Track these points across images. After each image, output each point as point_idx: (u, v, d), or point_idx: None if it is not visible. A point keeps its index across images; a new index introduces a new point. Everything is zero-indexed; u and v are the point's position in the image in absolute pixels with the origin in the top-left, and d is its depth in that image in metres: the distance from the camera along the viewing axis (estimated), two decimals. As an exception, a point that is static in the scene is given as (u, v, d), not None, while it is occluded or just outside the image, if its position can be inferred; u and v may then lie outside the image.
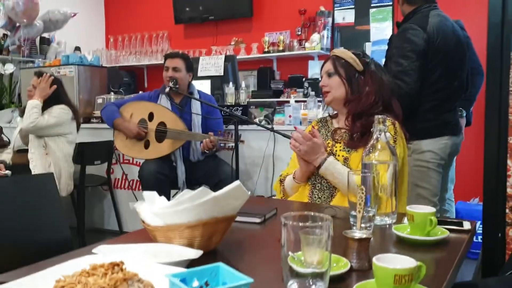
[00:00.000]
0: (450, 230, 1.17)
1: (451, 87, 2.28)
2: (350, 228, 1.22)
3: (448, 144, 2.30)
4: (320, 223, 0.72)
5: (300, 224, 0.72)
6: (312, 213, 0.78)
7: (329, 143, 1.74)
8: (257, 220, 1.29)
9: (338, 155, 1.69)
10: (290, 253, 0.77)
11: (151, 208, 0.99)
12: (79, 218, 3.53)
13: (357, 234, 0.99)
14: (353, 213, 1.22)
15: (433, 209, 1.12)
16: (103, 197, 3.90)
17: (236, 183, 0.95)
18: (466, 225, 1.23)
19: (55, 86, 3.14)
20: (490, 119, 1.55)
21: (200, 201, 0.94)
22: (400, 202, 1.66)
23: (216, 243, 1.03)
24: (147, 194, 1.04)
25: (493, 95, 1.53)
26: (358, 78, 1.73)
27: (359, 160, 1.64)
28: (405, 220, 1.23)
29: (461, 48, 2.34)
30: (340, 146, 1.72)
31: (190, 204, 0.94)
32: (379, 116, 1.30)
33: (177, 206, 0.95)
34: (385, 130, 1.30)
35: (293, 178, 1.75)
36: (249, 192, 1.03)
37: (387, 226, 1.27)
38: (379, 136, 1.29)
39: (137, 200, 3.26)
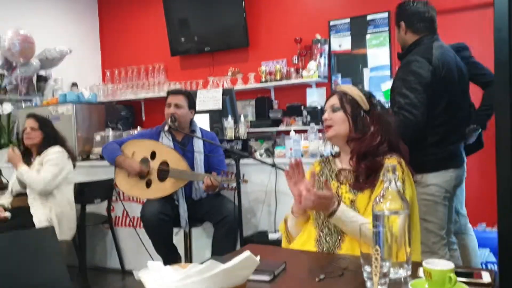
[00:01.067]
0: (469, 284, 1.12)
1: (454, 119, 2.26)
2: (363, 282, 1.18)
3: (453, 177, 2.27)
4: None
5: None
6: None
7: (334, 184, 1.70)
8: (267, 278, 1.24)
9: (344, 197, 1.65)
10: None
11: (158, 281, 0.95)
12: (81, 257, 3.48)
13: (375, 300, 0.94)
14: (367, 268, 1.17)
15: (451, 265, 1.08)
16: (104, 235, 3.85)
17: (246, 253, 0.91)
18: (485, 277, 1.18)
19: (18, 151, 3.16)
20: (502, 157, 1.50)
21: (209, 274, 0.89)
22: (414, 243, 1.61)
23: (226, 313, 0.98)
24: (151, 264, 0.99)
25: (505, 133, 1.49)
26: (364, 117, 1.70)
27: (366, 201, 1.60)
28: (421, 271, 1.18)
29: (464, 79, 2.34)
30: (346, 188, 1.67)
31: (199, 277, 0.90)
32: (389, 165, 1.26)
33: (186, 279, 0.91)
34: (395, 178, 1.26)
35: (292, 213, 1.70)
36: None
37: (402, 279, 1.22)
38: (389, 185, 1.25)
39: (139, 238, 3.19)
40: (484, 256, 2.93)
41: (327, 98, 1.80)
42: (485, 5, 4.07)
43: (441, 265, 1.08)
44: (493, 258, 2.96)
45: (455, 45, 2.63)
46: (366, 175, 1.63)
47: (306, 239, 1.68)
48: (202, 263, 0.93)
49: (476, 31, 3.86)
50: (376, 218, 1.24)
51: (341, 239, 1.61)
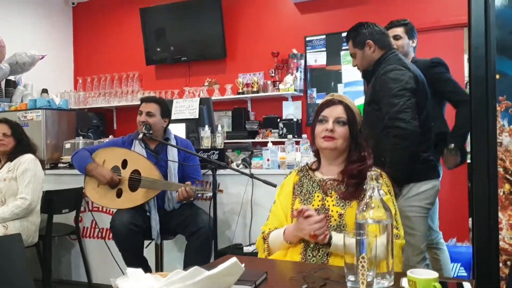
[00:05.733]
0: (452, 294, 1.12)
1: (430, 133, 2.28)
2: (346, 292, 1.16)
3: (436, 187, 2.26)
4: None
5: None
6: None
7: (318, 196, 1.64)
8: (248, 288, 1.20)
9: (332, 211, 1.59)
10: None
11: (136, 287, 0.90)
12: (45, 270, 3.32)
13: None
14: (351, 278, 1.16)
15: (436, 274, 1.07)
16: (71, 247, 3.70)
17: (233, 260, 0.87)
18: (467, 286, 1.18)
19: None
20: (479, 171, 1.52)
21: (192, 280, 0.85)
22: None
23: (209, 323, 0.93)
24: (131, 271, 0.94)
25: (481, 147, 1.51)
26: (358, 136, 1.67)
27: (354, 215, 1.56)
28: (403, 281, 1.17)
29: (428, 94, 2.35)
30: (333, 201, 1.61)
31: (181, 284, 0.85)
32: (372, 173, 1.26)
33: (168, 286, 0.86)
34: (378, 187, 1.25)
35: (284, 240, 1.60)
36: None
37: (385, 290, 1.21)
38: (372, 193, 1.24)
39: (109, 250, 3.06)
40: (455, 270, 2.96)
41: (326, 105, 1.70)
42: (456, 26, 4.22)
43: (425, 274, 1.07)
44: (464, 273, 3.00)
45: (431, 60, 2.67)
46: (355, 185, 1.59)
47: (290, 254, 1.61)
48: (185, 269, 0.89)
49: (446, 51, 3.98)
50: (359, 227, 1.22)
51: (328, 253, 1.55)
